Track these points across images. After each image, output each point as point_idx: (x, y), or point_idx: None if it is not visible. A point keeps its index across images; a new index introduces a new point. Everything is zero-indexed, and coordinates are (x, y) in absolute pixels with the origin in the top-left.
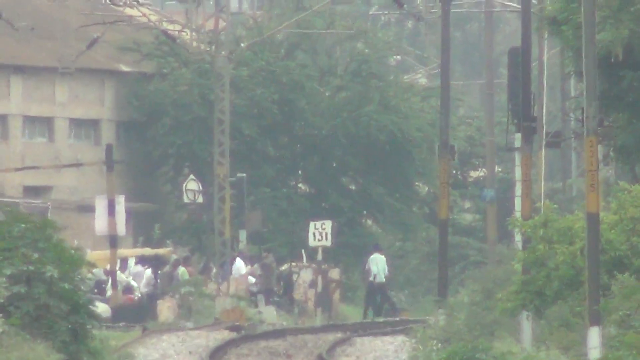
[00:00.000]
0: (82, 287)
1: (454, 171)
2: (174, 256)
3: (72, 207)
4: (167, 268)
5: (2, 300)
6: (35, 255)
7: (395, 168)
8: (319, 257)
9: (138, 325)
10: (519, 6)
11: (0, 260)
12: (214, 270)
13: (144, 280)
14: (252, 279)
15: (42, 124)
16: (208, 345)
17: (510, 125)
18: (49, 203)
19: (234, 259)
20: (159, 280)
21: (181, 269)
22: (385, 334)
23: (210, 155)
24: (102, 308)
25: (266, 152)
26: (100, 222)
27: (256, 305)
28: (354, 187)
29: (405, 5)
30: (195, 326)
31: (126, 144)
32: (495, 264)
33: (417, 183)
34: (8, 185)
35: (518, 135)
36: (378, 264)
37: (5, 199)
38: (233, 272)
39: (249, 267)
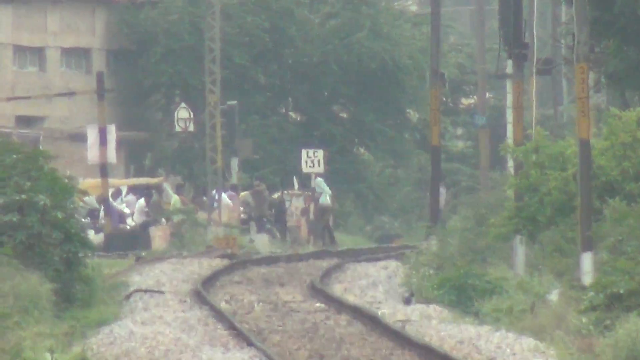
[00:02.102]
0: (75, 215)
1: (445, 98)
2: (165, 184)
3: (64, 136)
4: (155, 197)
5: None
6: (28, 184)
7: (387, 95)
8: (312, 184)
9: (131, 254)
10: None
11: None
12: (205, 198)
13: (136, 209)
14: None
15: (33, 54)
16: (200, 272)
17: (501, 52)
18: (40, 132)
19: (222, 192)
20: (148, 209)
21: (174, 198)
22: (378, 259)
23: (201, 84)
24: (94, 237)
25: (257, 80)
26: (92, 151)
27: (248, 233)
28: (345, 115)
29: None
30: (188, 254)
31: (117, 72)
32: (488, 190)
33: (408, 110)
34: None
35: (509, 62)
36: (323, 187)
37: None
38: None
39: (243, 193)
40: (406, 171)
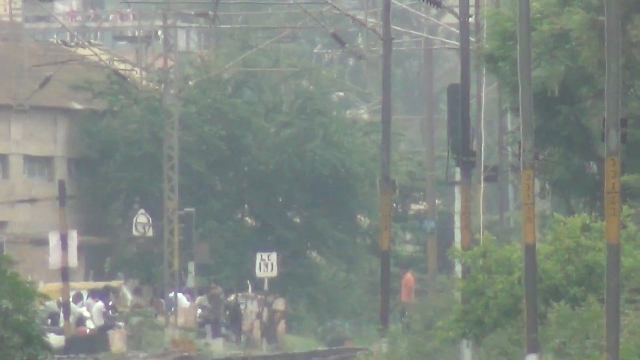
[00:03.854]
0: (36, 319)
1: (395, 204)
2: (124, 287)
3: (26, 241)
4: (112, 300)
5: None
6: None
7: (339, 201)
8: (265, 287)
9: (90, 357)
10: (458, 44)
11: None
12: (163, 301)
13: (94, 312)
14: (199, 311)
15: None
16: None
17: (449, 159)
18: (3, 237)
19: (176, 294)
20: (111, 312)
21: (131, 299)
22: None
23: (159, 190)
24: (55, 340)
25: (214, 186)
26: (53, 256)
27: (204, 336)
28: (298, 220)
29: (347, 45)
30: (146, 356)
31: (78, 179)
32: (436, 293)
33: (359, 216)
34: None
35: (457, 170)
36: None
37: None
38: (178, 306)
39: (200, 297)
40: (357, 275)
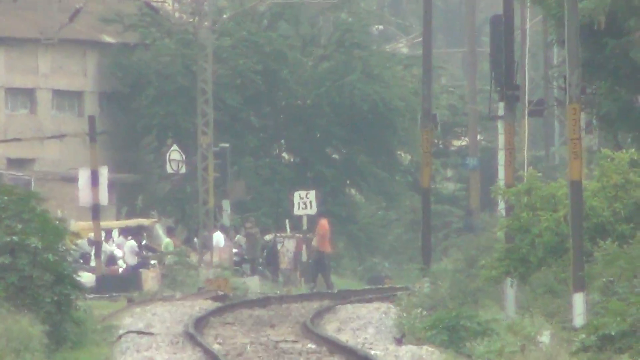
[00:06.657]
0: (67, 257)
1: (436, 140)
2: (157, 226)
3: (55, 178)
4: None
5: None
6: (19, 227)
7: (379, 137)
8: (304, 226)
9: (123, 295)
10: None
11: None
12: (197, 240)
13: (126, 251)
14: (234, 250)
15: (24, 96)
16: (192, 314)
17: (492, 93)
18: (32, 174)
19: (213, 232)
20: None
21: (165, 240)
22: (369, 301)
23: (193, 126)
24: (86, 277)
25: (249, 122)
26: (83, 193)
27: (241, 275)
28: (337, 157)
29: None
30: (180, 296)
31: (109, 115)
32: (478, 231)
33: (399, 152)
34: None
35: (501, 104)
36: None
37: None
38: (213, 245)
39: (238, 236)
40: (398, 213)
